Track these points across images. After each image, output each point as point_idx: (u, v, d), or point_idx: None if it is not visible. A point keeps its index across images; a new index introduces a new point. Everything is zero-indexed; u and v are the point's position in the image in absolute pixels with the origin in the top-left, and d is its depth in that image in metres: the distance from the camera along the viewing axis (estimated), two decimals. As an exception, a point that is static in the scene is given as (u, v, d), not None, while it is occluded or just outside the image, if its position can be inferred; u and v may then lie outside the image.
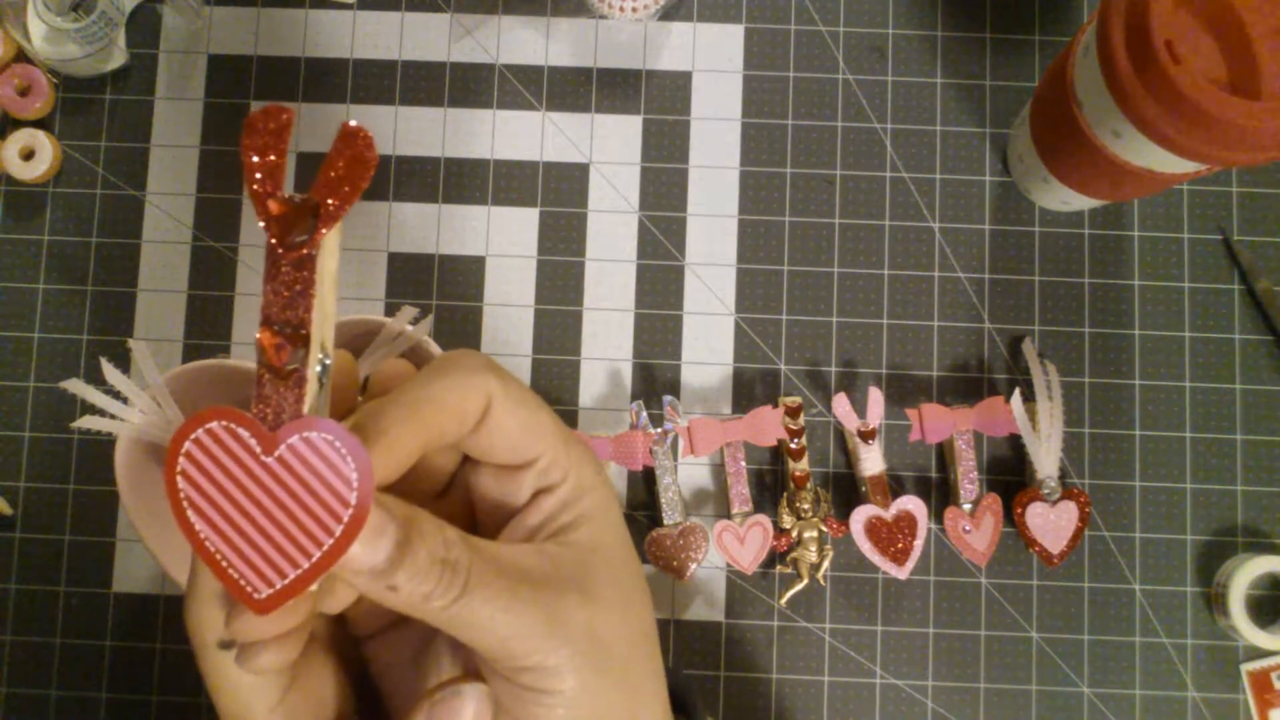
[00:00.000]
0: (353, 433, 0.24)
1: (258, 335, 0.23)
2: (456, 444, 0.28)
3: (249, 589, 0.23)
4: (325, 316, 0.24)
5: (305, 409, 0.23)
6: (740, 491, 0.55)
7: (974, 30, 0.60)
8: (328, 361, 0.24)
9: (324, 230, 0.24)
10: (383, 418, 0.25)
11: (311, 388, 0.23)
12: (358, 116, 0.59)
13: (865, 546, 0.54)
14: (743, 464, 0.55)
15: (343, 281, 0.58)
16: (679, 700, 0.33)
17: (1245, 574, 0.54)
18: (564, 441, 0.28)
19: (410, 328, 0.50)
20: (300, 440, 0.23)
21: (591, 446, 0.29)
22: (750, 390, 0.57)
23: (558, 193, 0.59)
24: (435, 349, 0.50)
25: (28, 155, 0.57)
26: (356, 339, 0.51)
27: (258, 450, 0.23)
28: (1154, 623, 0.55)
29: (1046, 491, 0.54)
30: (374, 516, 0.23)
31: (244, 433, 0.23)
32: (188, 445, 0.23)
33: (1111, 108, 0.44)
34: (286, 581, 0.23)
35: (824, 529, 0.54)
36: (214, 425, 0.23)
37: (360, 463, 0.23)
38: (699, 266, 0.58)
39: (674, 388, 0.57)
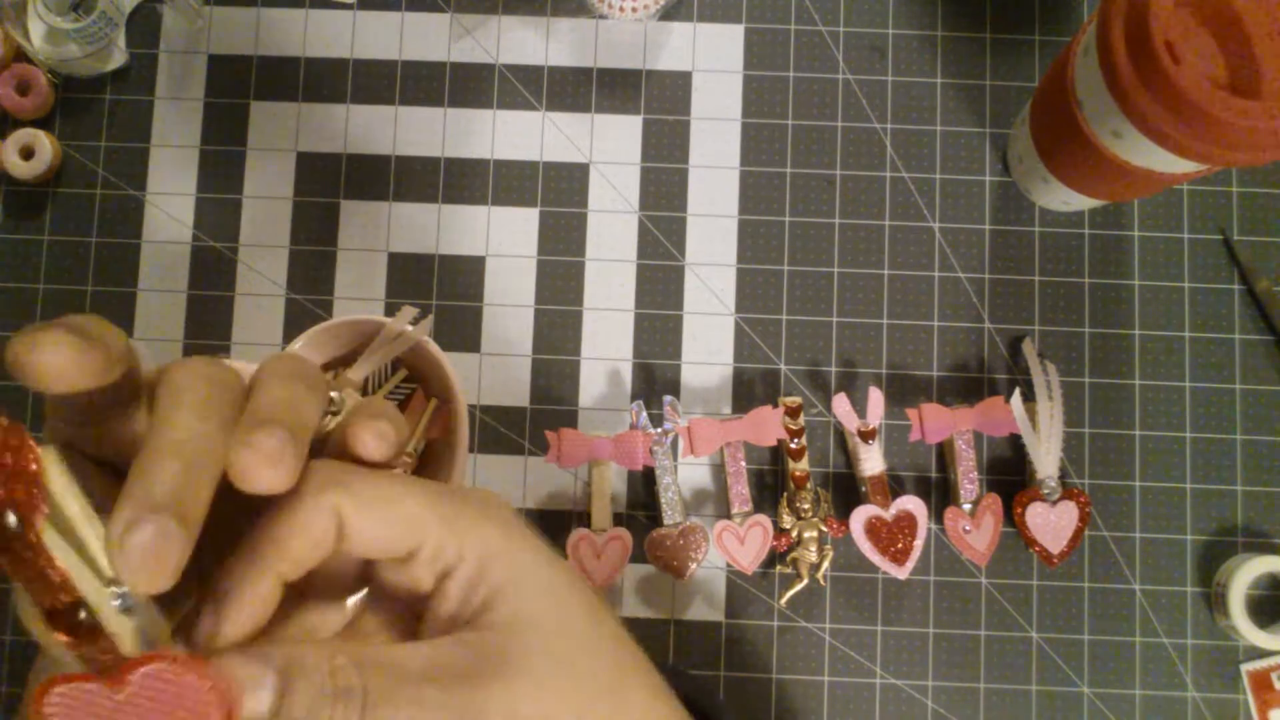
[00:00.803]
0: (210, 605, 0.24)
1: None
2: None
3: None
4: (93, 554, 0.23)
5: (127, 649, 0.23)
6: (740, 491, 0.55)
7: (974, 30, 0.60)
8: (123, 592, 0.23)
9: (33, 516, 0.22)
10: (226, 577, 0.25)
11: (121, 626, 0.23)
12: (357, 116, 0.59)
13: (865, 546, 0.54)
14: (743, 464, 0.55)
15: (343, 281, 0.58)
16: (702, 711, 0.32)
17: (1245, 574, 0.54)
18: (445, 520, 0.26)
19: (410, 328, 0.50)
20: (139, 675, 0.23)
21: (494, 498, 0.27)
22: (750, 390, 0.57)
23: (558, 193, 0.59)
24: (435, 349, 0.50)
25: (28, 155, 0.57)
26: (357, 339, 0.51)
27: (110, 694, 0.23)
28: (1154, 623, 0.55)
29: (1046, 491, 0.54)
30: (249, 668, 0.23)
31: (90, 686, 0.23)
32: (47, 710, 0.23)
33: (1111, 108, 0.44)
34: None
35: (824, 529, 0.54)
36: (61, 690, 0.23)
37: (203, 680, 0.23)
38: (699, 266, 0.58)
39: (674, 388, 0.57)
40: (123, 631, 0.23)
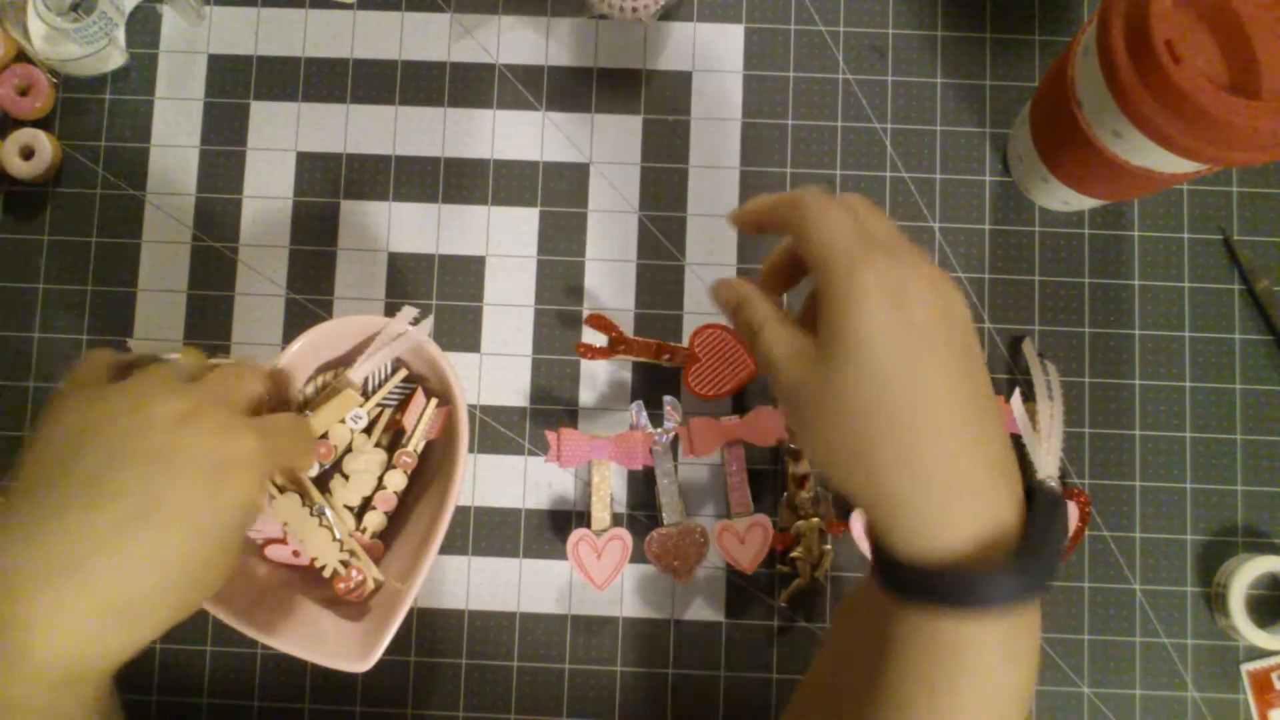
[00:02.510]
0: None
1: None
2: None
3: None
4: None
5: None
6: (740, 491, 0.55)
7: (974, 30, 0.60)
8: None
9: None
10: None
11: None
12: (357, 116, 0.59)
13: (865, 546, 0.54)
14: (743, 464, 0.55)
15: (343, 281, 0.58)
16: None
17: (1245, 574, 0.54)
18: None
19: (411, 327, 0.50)
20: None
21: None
22: (750, 390, 0.57)
23: (558, 193, 0.59)
24: (435, 349, 0.50)
25: (28, 155, 0.57)
26: (357, 339, 0.51)
27: None
28: (1154, 623, 0.55)
29: (1046, 491, 0.54)
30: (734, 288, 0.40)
31: None
32: None
33: (1111, 108, 0.44)
34: None
35: (824, 529, 0.54)
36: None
37: None
38: (699, 266, 0.58)
39: (674, 388, 0.57)
40: None
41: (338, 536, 0.49)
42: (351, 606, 0.50)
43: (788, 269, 0.41)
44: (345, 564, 0.49)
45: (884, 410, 0.32)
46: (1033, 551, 0.32)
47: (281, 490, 0.49)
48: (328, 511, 0.49)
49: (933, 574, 0.32)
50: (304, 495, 0.49)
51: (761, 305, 0.38)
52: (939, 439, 0.32)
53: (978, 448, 0.33)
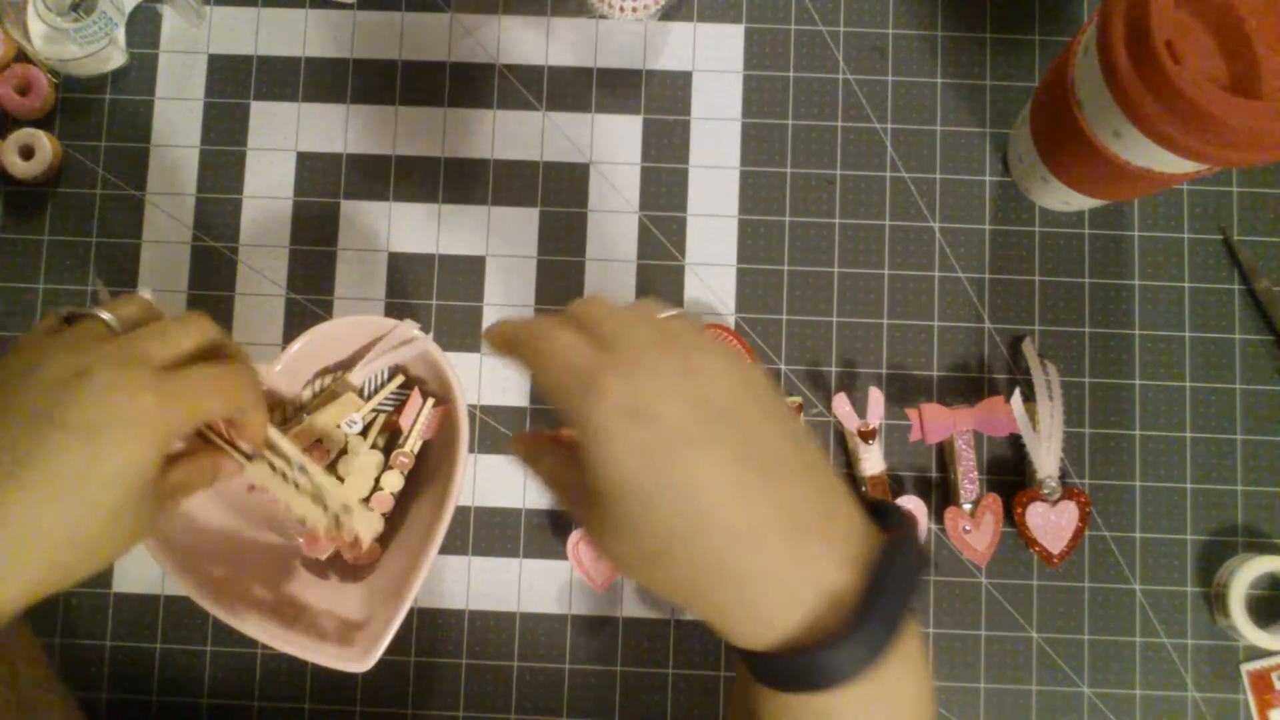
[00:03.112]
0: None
1: None
2: None
3: None
4: None
5: None
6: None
7: (974, 30, 0.60)
8: None
9: None
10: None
11: None
12: (358, 116, 0.59)
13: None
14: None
15: (343, 281, 0.58)
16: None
17: (1245, 574, 0.54)
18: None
19: (420, 334, 0.50)
20: None
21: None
22: (750, 390, 0.57)
23: (558, 193, 0.59)
24: (436, 350, 0.50)
25: (28, 155, 0.57)
26: (357, 340, 0.51)
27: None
28: (1154, 623, 0.55)
29: (1046, 491, 0.54)
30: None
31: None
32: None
33: (1111, 108, 0.44)
34: None
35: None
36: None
37: None
38: (699, 266, 0.58)
39: (674, 388, 0.57)
40: None
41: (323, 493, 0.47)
42: (353, 629, 0.50)
43: None
44: (338, 521, 0.47)
45: (658, 529, 0.31)
46: (876, 604, 0.30)
47: (249, 458, 0.45)
48: (308, 466, 0.46)
49: (771, 660, 0.31)
50: (277, 454, 0.46)
51: (542, 462, 0.37)
52: (725, 537, 0.30)
53: (778, 525, 0.31)
